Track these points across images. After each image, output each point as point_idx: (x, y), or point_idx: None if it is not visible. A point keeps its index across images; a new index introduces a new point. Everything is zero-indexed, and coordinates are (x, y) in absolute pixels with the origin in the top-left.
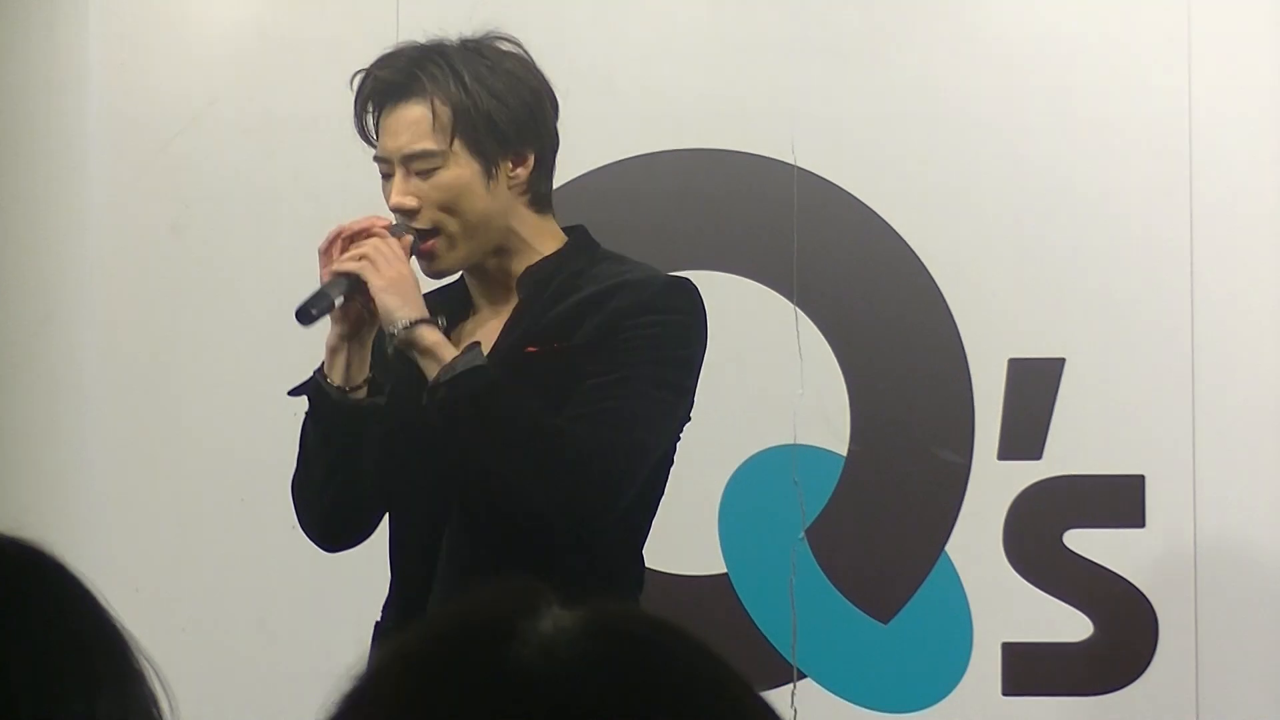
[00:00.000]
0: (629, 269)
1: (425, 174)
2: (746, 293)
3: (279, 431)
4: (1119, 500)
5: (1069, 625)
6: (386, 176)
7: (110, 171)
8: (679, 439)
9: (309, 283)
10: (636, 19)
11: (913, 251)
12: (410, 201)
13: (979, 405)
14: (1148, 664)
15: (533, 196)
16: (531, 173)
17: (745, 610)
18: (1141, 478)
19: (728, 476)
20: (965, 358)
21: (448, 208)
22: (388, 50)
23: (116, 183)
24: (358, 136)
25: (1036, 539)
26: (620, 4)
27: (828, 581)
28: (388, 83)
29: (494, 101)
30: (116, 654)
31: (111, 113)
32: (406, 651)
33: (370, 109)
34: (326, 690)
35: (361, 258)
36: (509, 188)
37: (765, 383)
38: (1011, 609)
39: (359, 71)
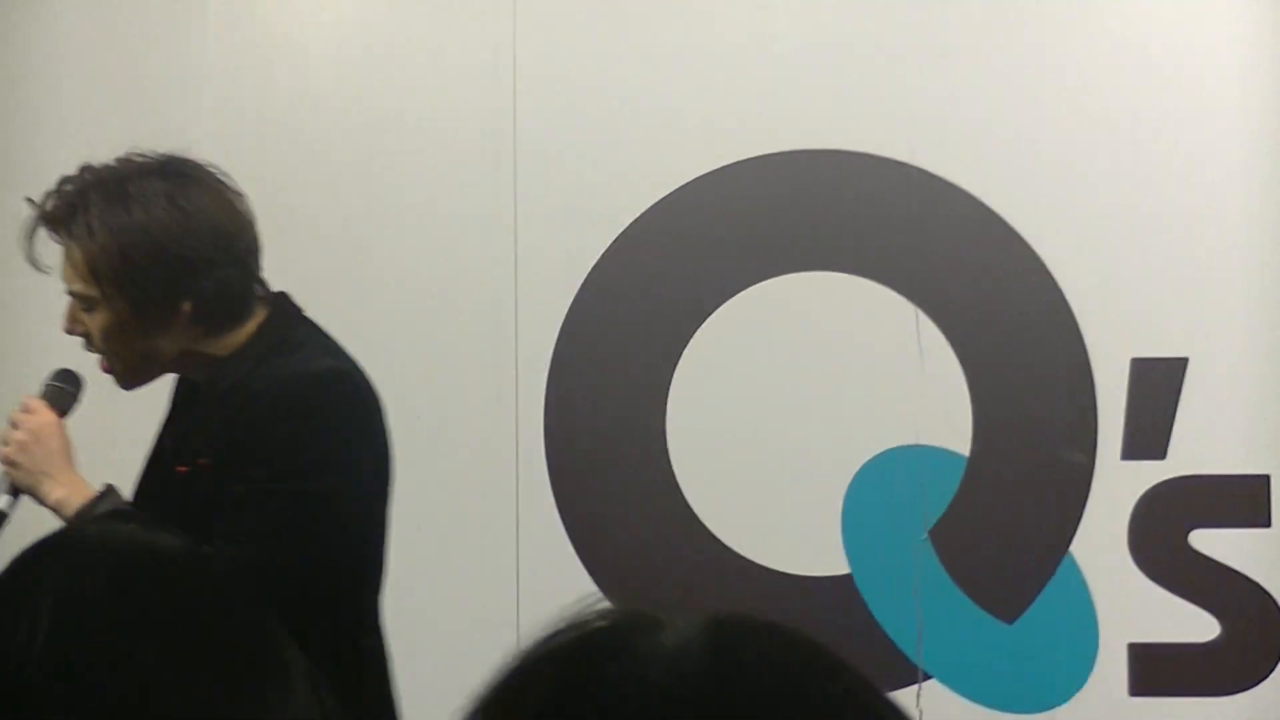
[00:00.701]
0: (278, 367)
1: (86, 309)
2: (866, 293)
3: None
4: (1245, 500)
5: (1195, 625)
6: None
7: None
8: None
9: (417, 283)
10: (753, 19)
11: (1033, 250)
12: (78, 329)
13: (1102, 405)
14: (1275, 664)
15: (207, 329)
16: (193, 314)
17: (869, 611)
18: (1267, 477)
19: (850, 477)
20: (1088, 357)
21: (105, 344)
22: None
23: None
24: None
25: (1162, 539)
26: (740, 3)
27: (952, 582)
28: (48, 215)
29: (130, 254)
30: (298, 658)
31: (227, 112)
32: (529, 673)
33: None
34: None
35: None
36: (173, 325)
37: (886, 383)
38: (1137, 609)
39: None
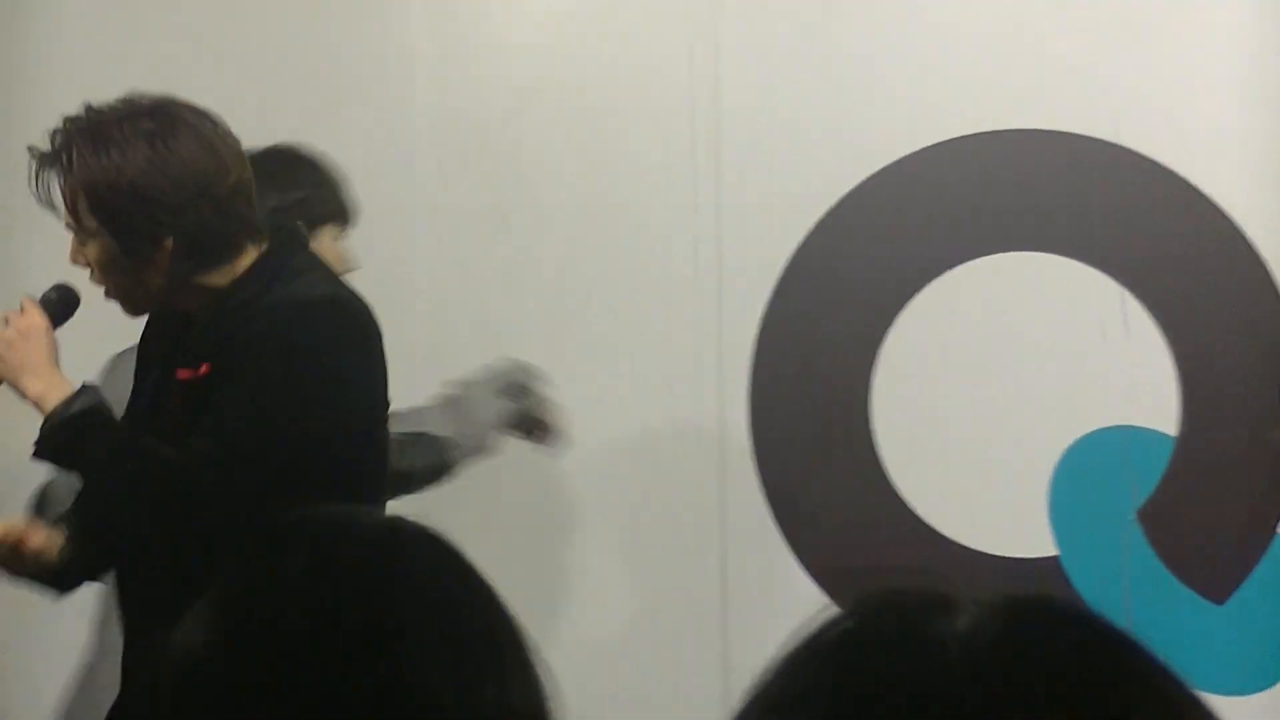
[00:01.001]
0: (277, 293)
1: (81, 243)
2: (1072, 274)
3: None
4: None
5: None
6: None
7: (436, 163)
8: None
9: (622, 267)
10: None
11: (1239, 229)
12: (80, 260)
13: None
14: None
15: (196, 263)
16: (176, 250)
17: (1077, 592)
18: None
19: (1058, 458)
20: None
21: (102, 275)
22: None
23: (442, 174)
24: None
25: None
26: None
27: (1160, 563)
28: (43, 154)
29: (103, 194)
30: (518, 644)
31: (437, 105)
32: (820, 649)
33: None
34: None
35: None
36: (158, 259)
37: (1093, 364)
38: None
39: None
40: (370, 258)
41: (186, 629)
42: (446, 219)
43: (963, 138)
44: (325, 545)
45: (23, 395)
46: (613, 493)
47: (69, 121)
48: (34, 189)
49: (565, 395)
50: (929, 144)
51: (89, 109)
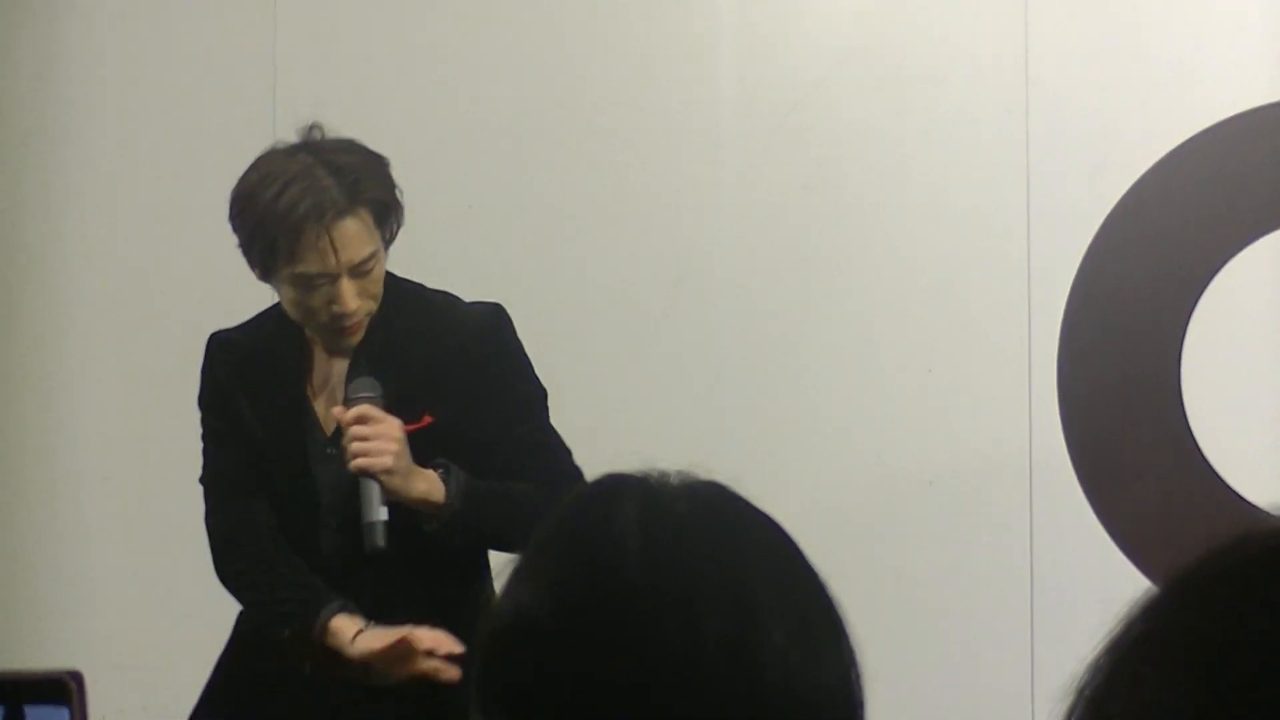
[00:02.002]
0: (439, 306)
1: (366, 273)
2: None
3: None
4: None
5: None
6: (315, 288)
7: (742, 137)
8: None
9: (930, 235)
10: None
11: None
12: (364, 301)
13: None
14: None
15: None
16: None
17: None
18: None
19: None
20: None
21: (375, 294)
22: (273, 175)
23: (748, 148)
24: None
25: None
26: None
27: None
28: (320, 204)
29: (381, 188)
30: (840, 613)
31: (741, 79)
32: (1206, 581)
33: (304, 231)
34: None
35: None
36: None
37: None
38: None
39: (254, 210)
40: (672, 233)
41: (520, 592)
42: (752, 193)
43: (1276, 104)
44: (651, 502)
45: (408, 499)
46: (924, 449)
47: (314, 168)
48: (270, 249)
49: (875, 349)
50: (1248, 107)
51: (318, 144)
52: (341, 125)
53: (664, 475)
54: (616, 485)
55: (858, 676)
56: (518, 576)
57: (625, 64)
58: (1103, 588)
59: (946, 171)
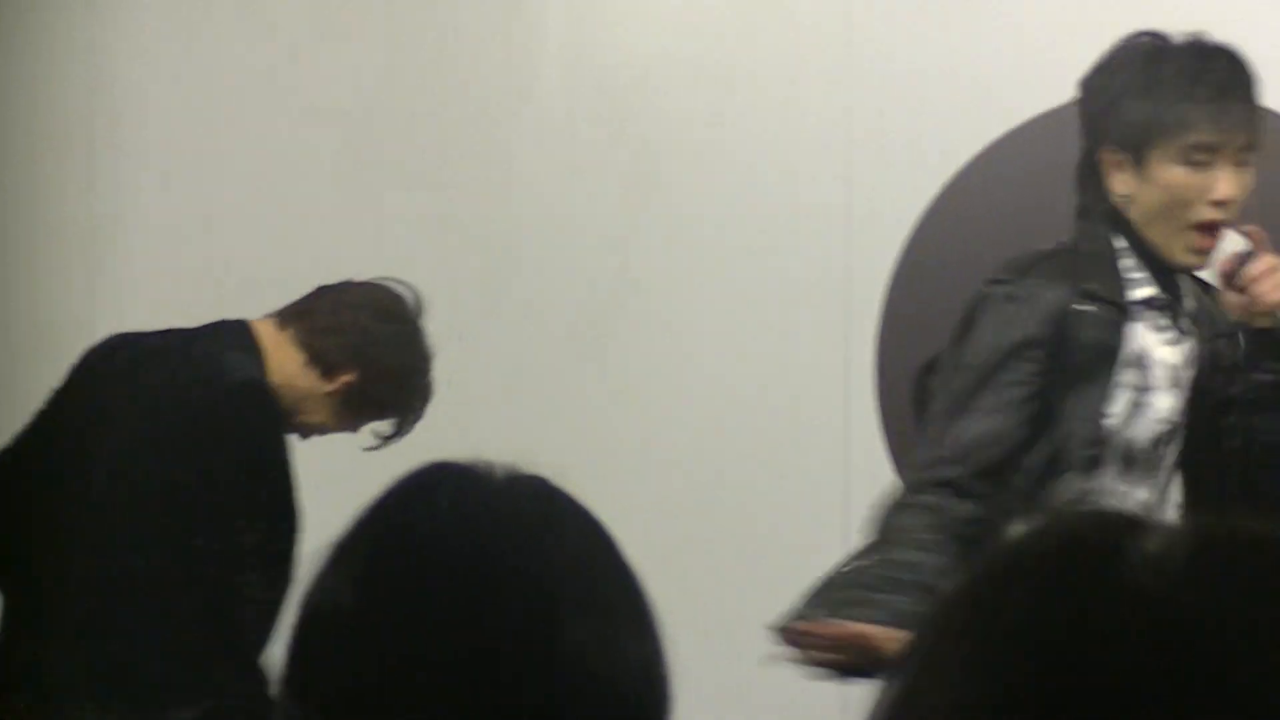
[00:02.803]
0: None
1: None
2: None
3: None
4: None
5: None
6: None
7: (565, 132)
8: None
9: (752, 229)
10: None
11: None
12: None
13: None
14: None
15: None
16: None
17: None
18: None
19: None
20: None
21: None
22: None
23: (571, 143)
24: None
25: None
26: None
27: None
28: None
29: None
30: (648, 604)
31: (565, 74)
32: (1005, 581)
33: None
34: None
35: None
36: None
37: None
38: None
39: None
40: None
41: (329, 576)
42: (574, 193)
43: None
44: (468, 492)
45: None
46: (741, 444)
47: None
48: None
49: (695, 341)
50: (1062, 103)
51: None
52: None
53: (490, 466)
54: (438, 473)
55: (662, 670)
56: (332, 558)
57: (448, 60)
58: None
59: (768, 166)
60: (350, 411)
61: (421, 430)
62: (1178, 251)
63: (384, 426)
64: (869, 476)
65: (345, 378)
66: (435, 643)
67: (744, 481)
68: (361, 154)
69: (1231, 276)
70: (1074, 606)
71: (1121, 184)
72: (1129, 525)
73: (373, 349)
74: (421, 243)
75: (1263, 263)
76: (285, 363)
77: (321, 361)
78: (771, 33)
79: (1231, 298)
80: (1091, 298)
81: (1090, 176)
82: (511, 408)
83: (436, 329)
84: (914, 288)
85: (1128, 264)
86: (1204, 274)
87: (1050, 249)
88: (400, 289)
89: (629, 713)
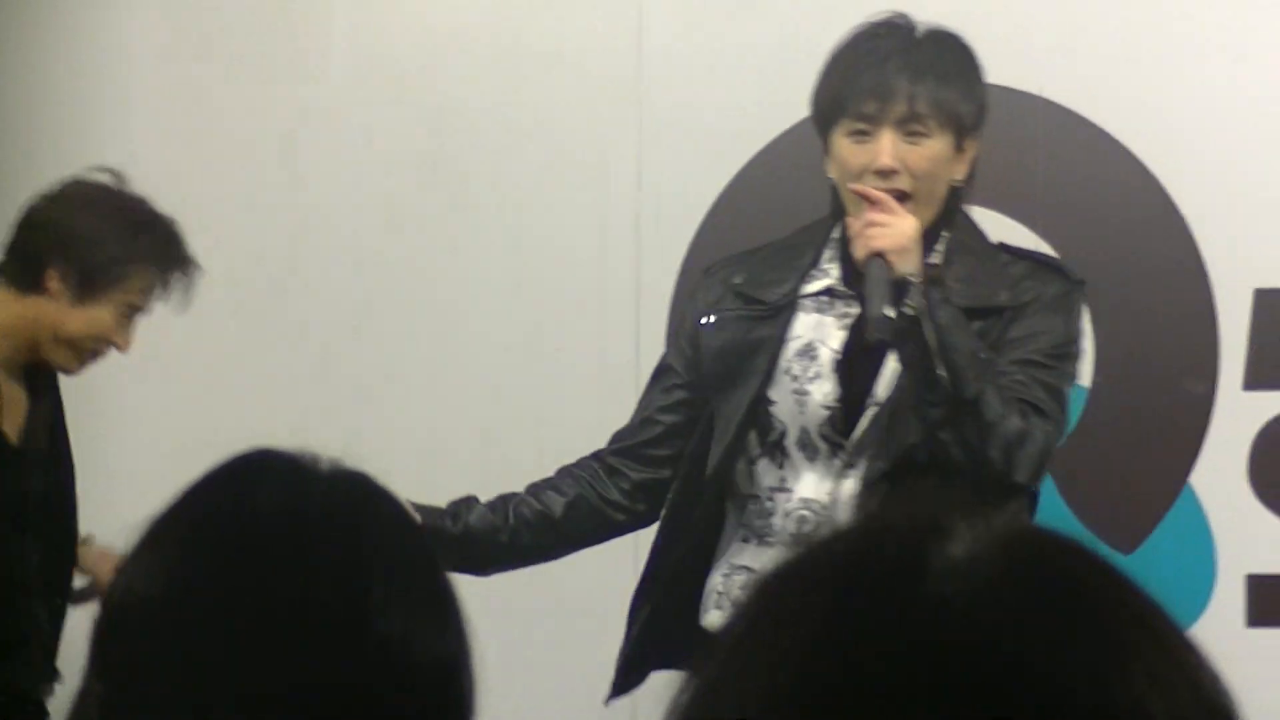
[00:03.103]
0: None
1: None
2: (991, 225)
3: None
4: None
5: None
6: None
7: (358, 112)
8: None
9: (551, 213)
10: None
11: (1158, 182)
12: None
13: (1224, 336)
14: None
15: None
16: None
17: None
18: None
19: None
20: (1210, 288)
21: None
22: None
23: (364, 123)
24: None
25: None
26: None
27: (1070, 512)
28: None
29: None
30: (454, 595)
31: (355, 53)
32: (810, 580)
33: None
34: None
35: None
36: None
37: None
38: (1256, 540)
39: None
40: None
41: (142, 559)
42: (367, 173)
43: None
44: (289, 483)
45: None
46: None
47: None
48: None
49: (486, 326)
50: None
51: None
52: None
53: (315, 458)
54: (263, 461)
55: (468, 664)
56: (147, 542)
57: (238, 36)
58: None
59: (560, 150)
60: (84, 300)
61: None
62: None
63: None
64: None
65: (52, 272)
66: (244, 632)
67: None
68: None
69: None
70: (874, 623)
71: (828, 168)
72: (932, 529)
73: (58, 229)
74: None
75: (866, 218)
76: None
77: (23, 276)
78: (563, 12)
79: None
80: (744, 299)
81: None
82: (290, 392)
83: (230, 309)
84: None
85: (829, 254)
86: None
87: (754, 249)
88: (95, 176)
89: (436, 704)
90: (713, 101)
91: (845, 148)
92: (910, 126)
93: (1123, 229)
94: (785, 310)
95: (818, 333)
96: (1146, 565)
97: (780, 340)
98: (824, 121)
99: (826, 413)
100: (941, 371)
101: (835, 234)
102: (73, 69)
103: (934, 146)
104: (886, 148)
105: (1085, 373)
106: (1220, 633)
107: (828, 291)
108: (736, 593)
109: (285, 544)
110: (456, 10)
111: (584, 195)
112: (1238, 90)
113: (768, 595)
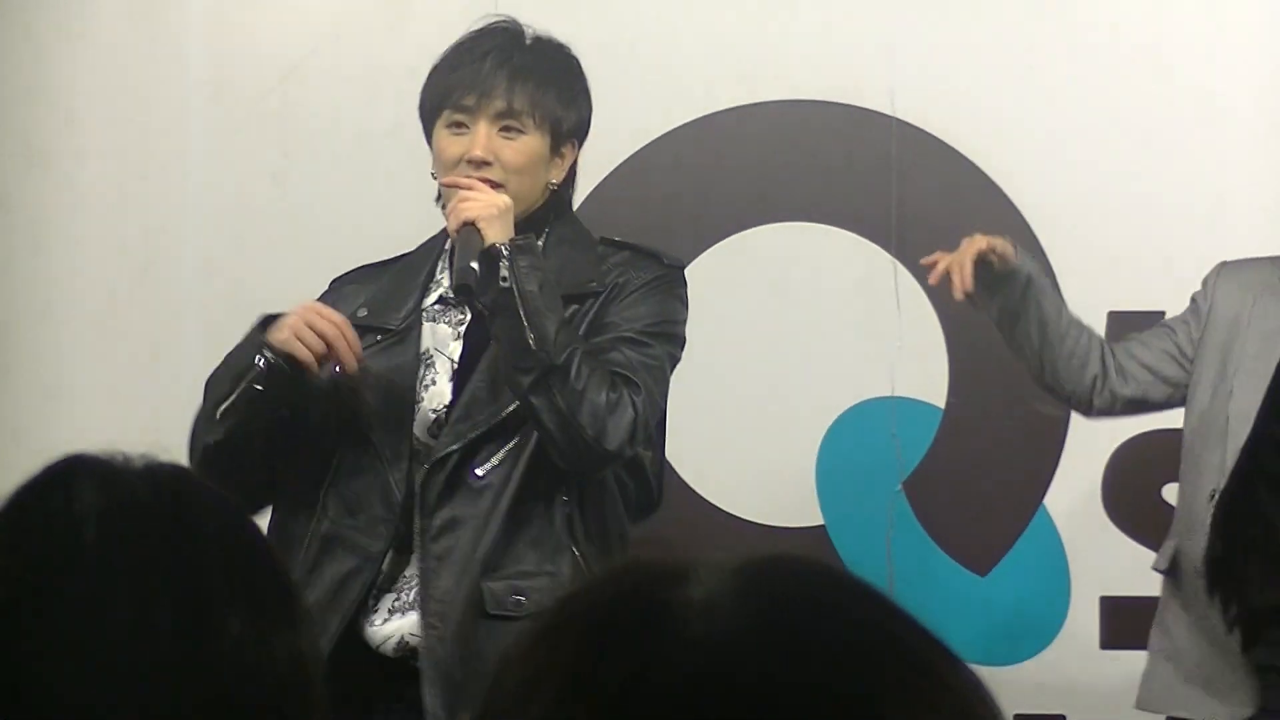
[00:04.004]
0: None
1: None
2: (845, 245)
3: None
4: None
5: None
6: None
7: (213, 124)
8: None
9: (404, 230)
10: None
11: (1012, 203)
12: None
13: None
14: None
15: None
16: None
17: (842, 562)
18: None
19: (825, 428)
20: None
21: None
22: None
23: (218, 134)
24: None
25: (1135, 493)
26: None
27: (925, 534)
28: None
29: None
30: (299, 595)
31: (214, 64)
32: (560, 636)
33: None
34: None
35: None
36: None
37: (864, 335)
38: (1110, 563)
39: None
40: (142, 218)
41: None
42: (220, 181)
43: (738, 107)
44: (109, 484)
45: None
46: None
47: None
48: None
49: None
50: (705, 113)
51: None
52: None
53: (127, 458)
54: (76, 466)
55: (313, 656)
56: None
57: (95, 47)
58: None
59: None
60: None
61: None
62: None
63: None
64: None
65: None
66: (81, 647)
67: None
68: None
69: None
70: (622, 673)
71: (434, 167)
72: (671, 575)
73: None
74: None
75: (460, 195)
76: None
77: None
78: (421, 23)
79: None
80: (372, 330)
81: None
82: (155, 402)
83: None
84: None
85: (442, 264)
86: None
87: (382, 263)
88: None
89: (285, 703)
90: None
91: (443, 139)
92: (506, 122)
93: None
94: (412, 328)
95: (434, 340)
96: (1001, 587)
97: (416, 360)
98: (428, 117)
99: (434, 416)
100: (531, 338)
101: (448, 245)
102: None
103: (529, 144)
104: (480, 139)
105: (939, 393)
106: (1075, 654)
107: (441, 300)
108: None
109: (113, 546)
110: (315, 19)
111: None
112: (1092, 111)
113: (517, 657)
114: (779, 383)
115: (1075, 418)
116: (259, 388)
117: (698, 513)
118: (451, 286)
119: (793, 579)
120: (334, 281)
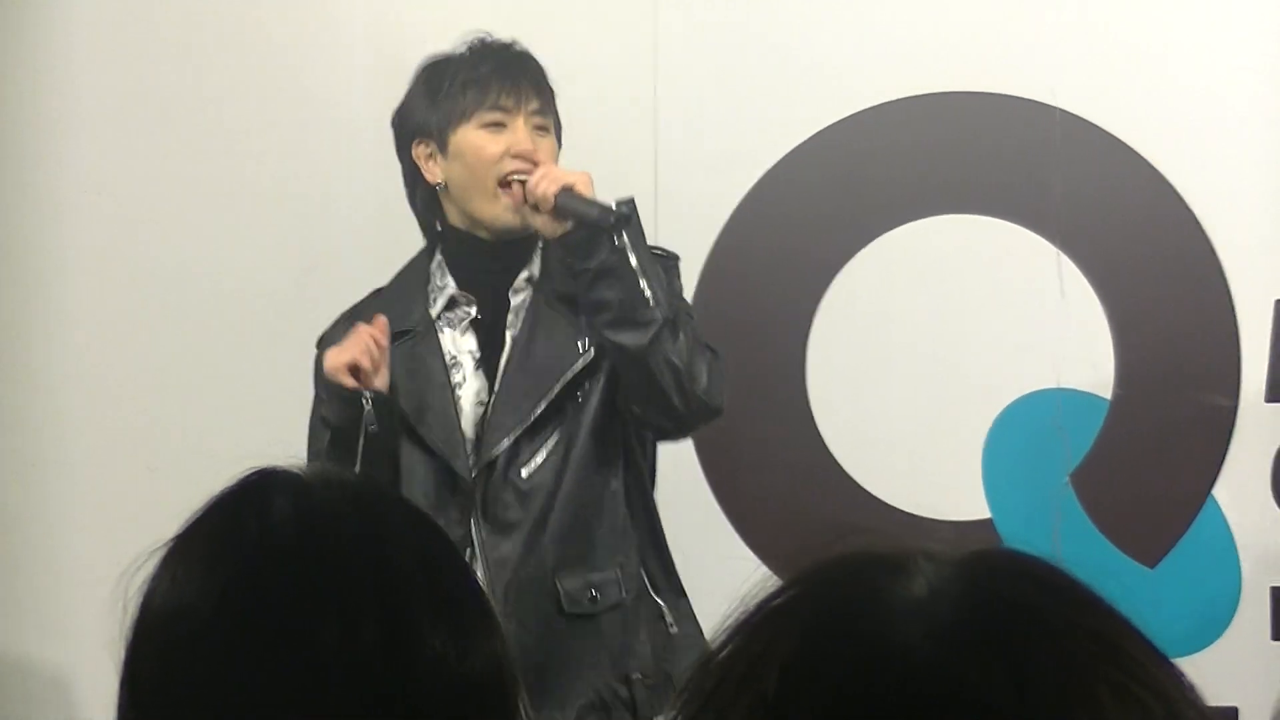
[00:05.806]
0: None
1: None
2: (1009, 237)
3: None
4: None
5: None
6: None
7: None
8: None
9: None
10: None
11: (1176, 192)
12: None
13: (1246, 348)
14: None
15: None
16: None
17: None
18: None
19: (991, 421)
20: (1231, 299)
21: None
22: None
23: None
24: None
25: None
26: None
27: (1093, 526)
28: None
29: None
30: (491, 602)
31: (377, 68)
32: (770, 635)
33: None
34: None
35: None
36: None
37: (1029, 327)
38: None
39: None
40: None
41: (168, 579)
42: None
43: (900, 100)
44: (303, 498)
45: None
46: None
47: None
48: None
49: None
50: (868, 105)
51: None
52: None
53: (312, 470)
54: (269, 479)
55: (509, 662)
56: (167, 564)
57: (265, 55)
58: (726, 576)
59: (576, 163)
60: None
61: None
62: (500, 214)
63: None
64: (676, 475)
65: None
66: (286, 659)
67: None
68: None
69: (522, 203)
70: (840, 671)
71: (433, 173)
72: (893, 569)
73: None
74: (229, 239)
75: (535, 173)
76: None
77: None
78: (577, 28)
79: (537, 220)
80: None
81: (416, 198)
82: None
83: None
84: (722, 290)
85: (438, 274)
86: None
87: (363, 301)
88: None
89: (486, 707)
90: (729, 109)
91: (480, 138)
92: (537, 121)
93: (1142, 240)
94: (430, 332)
95: (454, 345)
96: (1171, 579)
97: (443, 364)
98: (450, 121)
99: (480, 410)
100: (649, 295)
101: (437, 258)
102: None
103: (553, 144)
104: (523, 135)
105: (1104, 385)
106: (1246, 646)
107: (450, 302)
108: None
109: (310, 558)
110: (472, 35)
111: None
112: (1257, 99)
113: (726, 647)
114: (946, 375)
115: (1244, 407)
116: (374, 428)
117: (866, 508)
118: (596, 222)
119: (1020, 581)
120: (342, 316)
